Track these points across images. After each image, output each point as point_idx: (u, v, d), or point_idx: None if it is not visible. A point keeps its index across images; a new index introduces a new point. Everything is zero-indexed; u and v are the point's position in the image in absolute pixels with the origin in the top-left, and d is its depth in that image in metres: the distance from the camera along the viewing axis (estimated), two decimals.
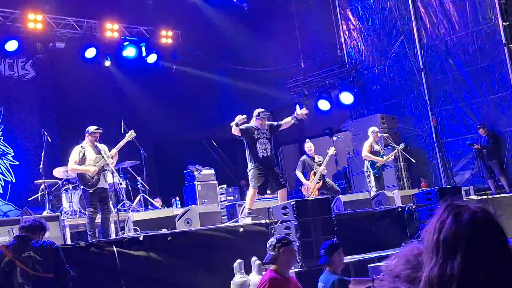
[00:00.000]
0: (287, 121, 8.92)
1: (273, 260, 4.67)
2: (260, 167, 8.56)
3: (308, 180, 10.67)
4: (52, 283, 4.99)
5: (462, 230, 1.51)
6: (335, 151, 11.22)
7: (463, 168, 13.19)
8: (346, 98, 14.58)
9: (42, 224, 5.41)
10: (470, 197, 10.90)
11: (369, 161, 11.20)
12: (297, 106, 8.95)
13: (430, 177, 13.53)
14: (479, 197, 10.61)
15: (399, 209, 9.35)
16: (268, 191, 9.04)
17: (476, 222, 1.52)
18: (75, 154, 8.24)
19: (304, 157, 10.99)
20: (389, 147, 12.04)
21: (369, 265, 6.48)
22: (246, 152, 8.75)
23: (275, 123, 8.98)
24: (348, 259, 7.35)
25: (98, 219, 8.22)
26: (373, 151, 11.24)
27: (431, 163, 13.69)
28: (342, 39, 15.13)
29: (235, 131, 8.59)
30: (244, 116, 8.59)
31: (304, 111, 8.85)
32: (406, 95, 14.04)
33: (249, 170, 8.69)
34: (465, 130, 13.10)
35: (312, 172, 10.68)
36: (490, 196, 10.93)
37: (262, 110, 8.78)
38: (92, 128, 8.33)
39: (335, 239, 5.69)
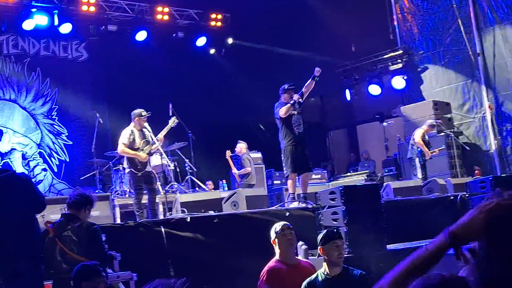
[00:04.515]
0: (308, 84, 8.60)
1: (275, 249, 4.68)
2: (295, 143, 8.39)
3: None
4: None
5: (493, 214, 1.48)
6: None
7: None
8: (398, 83, 14.25)
9: (87, 199, 5.18)
10: None
11: (418, 149, 10.97)
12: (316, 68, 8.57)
13: (484, 165, 13.06)
14: None
15: (451, 197, 9.10)
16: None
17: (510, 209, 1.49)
18: (124, 137, 8.22)
19: None
20: (442, 134, 11.71)
21: None
22: (281, 132, 8.56)
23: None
24: (396, 246, 7.21)
25: (145, 199, 8.32)
26: (423, 141, 11.05)
27: (486, 151, 13.23)
28: (395, 23, 14.72)
29: (288, 110, 8.41)
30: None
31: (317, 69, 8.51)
32: (461, 81, 13.56)
33: (284, 150, 8.47)
34: None
35: None
36: None
37: (288, 83, 8.60)
38: (140, 112, 8.31)
39: None
